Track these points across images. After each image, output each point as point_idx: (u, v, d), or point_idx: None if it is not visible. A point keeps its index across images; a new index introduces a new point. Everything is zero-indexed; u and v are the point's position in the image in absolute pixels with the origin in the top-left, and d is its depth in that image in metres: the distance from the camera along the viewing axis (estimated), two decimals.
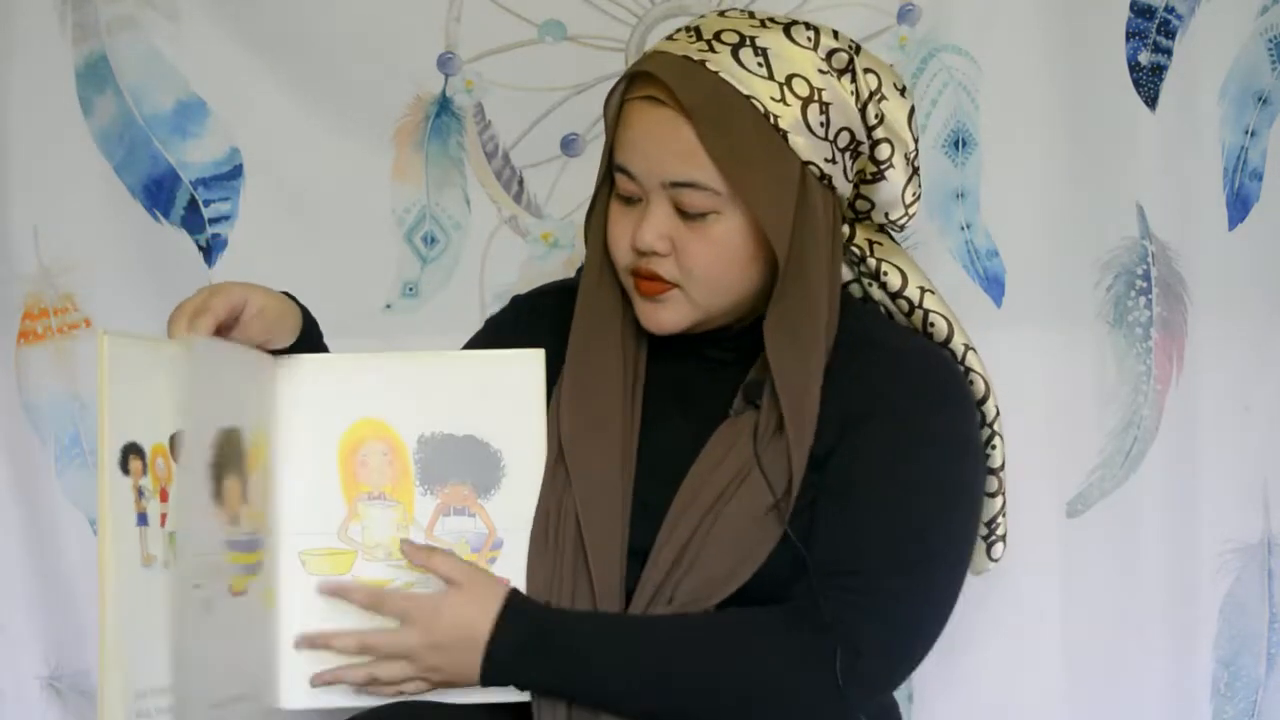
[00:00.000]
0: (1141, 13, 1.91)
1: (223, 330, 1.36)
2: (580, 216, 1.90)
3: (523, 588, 1.42)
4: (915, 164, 1.47)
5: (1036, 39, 1.90)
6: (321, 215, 1.92)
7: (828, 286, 1.41)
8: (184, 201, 1.90)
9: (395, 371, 1.47)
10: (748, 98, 1.36)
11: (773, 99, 1.37)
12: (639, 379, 1.49)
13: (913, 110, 1.45)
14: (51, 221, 1.87)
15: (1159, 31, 1.92)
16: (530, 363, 1.45)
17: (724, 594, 1.39)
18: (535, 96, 1.90)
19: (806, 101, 1.38)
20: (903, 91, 1.45)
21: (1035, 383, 1.88)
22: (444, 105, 1.90)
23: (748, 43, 1.38)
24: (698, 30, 1.41)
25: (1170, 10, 1.91)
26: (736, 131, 1.36)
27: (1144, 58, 1.92)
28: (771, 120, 1.37)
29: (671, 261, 1.41)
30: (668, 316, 1.43)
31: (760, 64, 1.38)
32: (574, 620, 1.40)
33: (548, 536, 1.43)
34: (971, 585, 1.48)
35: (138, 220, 1.89)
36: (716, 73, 1.37)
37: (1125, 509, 1.96)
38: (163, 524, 1.32)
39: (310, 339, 1.48)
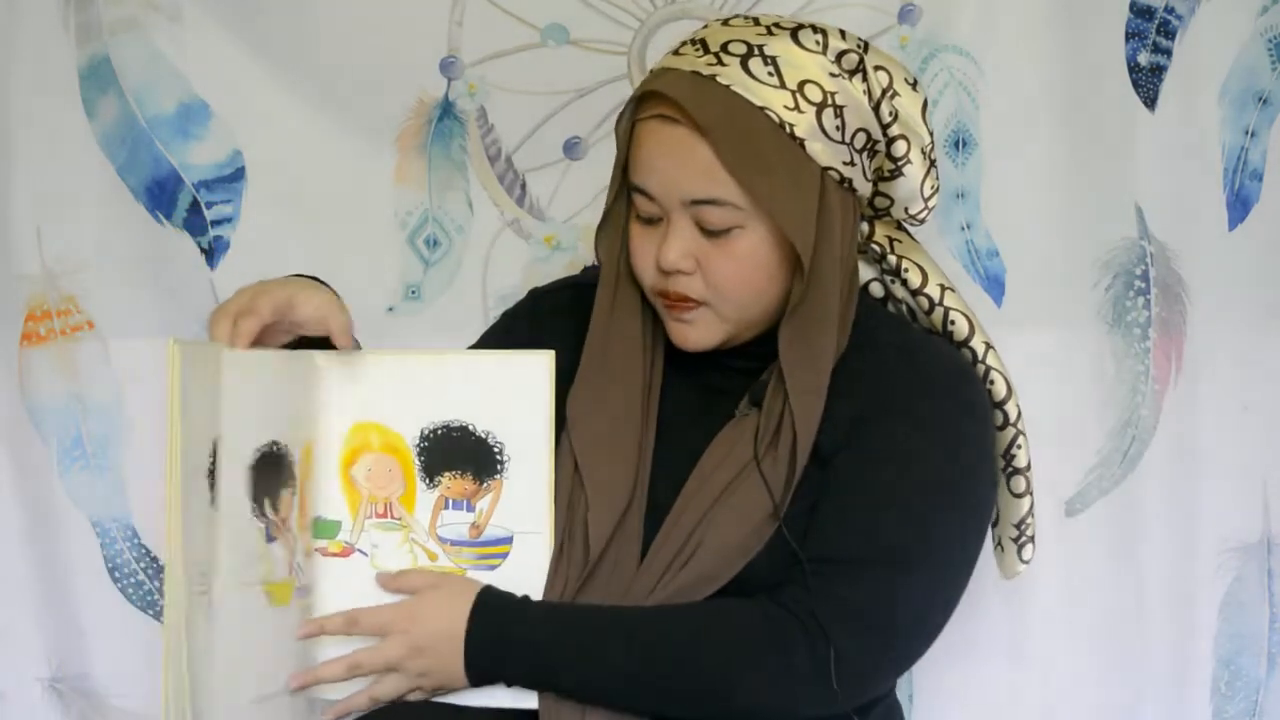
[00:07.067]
0: (1141, 13, 1.91)
1: (266, 333, 1.35)
2: (583, 219, 1.92)
3: (536, 590, 1.41)
4: (932, 157, 1.46)
5: (1037, 39, 1.90)
6: (324, 218, 1.92)
7: (842, 289, 1.41)
8: (186, 203, 1.90)
9: (399, 370, 1.44)
10: (761, 109, 1.34)
11: (786, 108, 1.35)
12: (655, 385, 1.48)
13: (926, 103, 1.44)
14: (54, 223, 1.87)
15: (1159, 32, 1.92)
16: (539, 363, 1.43)
17: (712, 589, 1.38)
18: (538, 100, 1.90)
19: (820, 107, 1.36)
20: (914, 85, 1.44)
21: (1034, 382, 1.87)
22: (447, 109, 1.90)
23: (756, 52, 1.36)
24: (704, 43, 1.39)
25: (1170, 11, 1.92)
26: (754, 144, 1.34)
27: (1144, 58, 1.92)
28: (787, 129, 1.35)
29: (698, 280, 1.39)
30: (697, 335, 1.42)
31: (771, 73, 1.35)
32: (546, 612, 1.38)
33: (561, 541, 1.43)
34: (969, 585, 1.46)
35: (140, 222, 1.89)
36: (728, 86, 1.34)
37: (1124, 508, 1.97)
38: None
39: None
